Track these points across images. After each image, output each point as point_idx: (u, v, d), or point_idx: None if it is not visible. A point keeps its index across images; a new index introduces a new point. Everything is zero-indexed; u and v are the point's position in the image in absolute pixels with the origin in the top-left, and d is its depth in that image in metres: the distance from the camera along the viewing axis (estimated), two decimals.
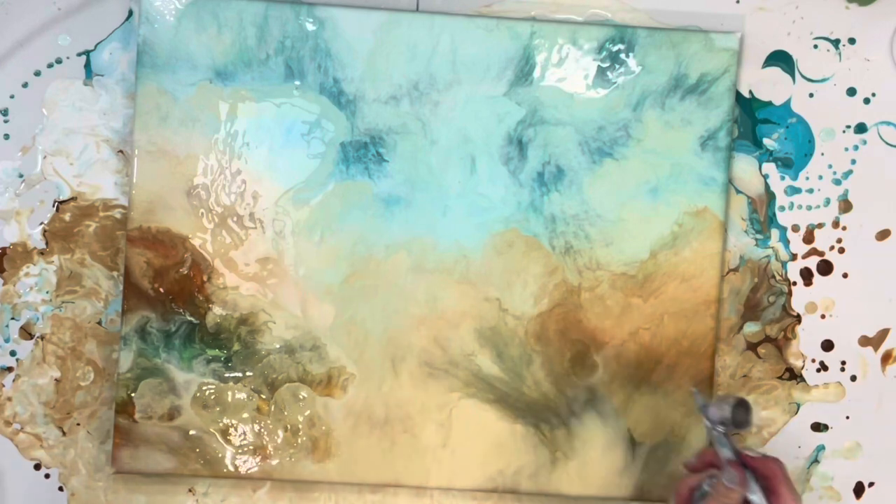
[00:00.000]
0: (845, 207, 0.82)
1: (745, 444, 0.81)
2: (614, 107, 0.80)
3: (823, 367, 0.82)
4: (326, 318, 0.79)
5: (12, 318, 0.80)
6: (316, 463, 0.80)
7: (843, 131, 0.82)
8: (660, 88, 0.79)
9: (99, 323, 0.80)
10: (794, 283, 0.82)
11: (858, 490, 0.82)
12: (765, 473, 0.69)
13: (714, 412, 0.70)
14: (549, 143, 0.79)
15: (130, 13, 0.80)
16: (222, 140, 0.79)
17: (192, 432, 0.79)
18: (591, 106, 0.79)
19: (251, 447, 0.80)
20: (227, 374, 0.79)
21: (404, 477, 0.80)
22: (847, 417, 0.82)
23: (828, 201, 0.82)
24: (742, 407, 0.69)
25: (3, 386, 0.80)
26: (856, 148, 0.82)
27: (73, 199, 0.80)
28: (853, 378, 0.82)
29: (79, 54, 0.80)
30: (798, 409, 0.82)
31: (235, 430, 0.80)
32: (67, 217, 0.80)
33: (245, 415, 0.80)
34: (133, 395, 0.79)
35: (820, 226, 0.82)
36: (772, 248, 0.82)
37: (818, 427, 0.82)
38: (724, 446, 0.70)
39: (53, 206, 0.80)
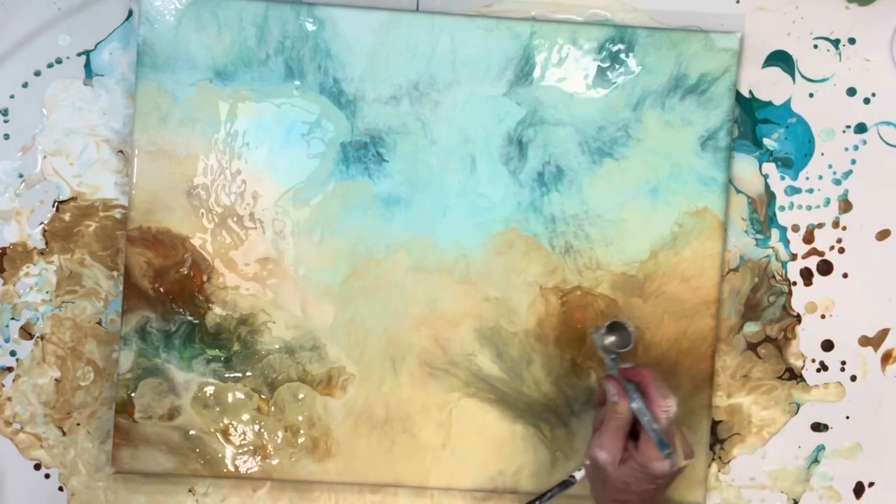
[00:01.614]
0: (845, 207, 0.82)
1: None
2: (614, 107, 0.79)
3: (823, 367, 0.82)
4: (326, 318, 0.79)
5: (12, 318, 0.80)
6: (316, 463, 0.80)
7: (843, 131, 0.82)
8: (660, 88, 0.79)
9: (99, 323, 0.80)
10: (794, 283, 0.82)
11: (858, 490, 0.82)
12: (638, 381, 0.72)
13: (597, 342, 0.75)
14: (549, 143, 0.79)
15: (130, 13, 0.80)
16: (222, 140, 0.79)
17: (192, 432, 0.79)
18: (591, 106, 0.79)
19: (251, 447, 0.80)
20: (227, 374, 0.79)
21: (404, 477, 0.80)
22: (847, 417, 0.82)
23: (828, 201, 0.82)
24: (613, 330, 0.74)
25: (3, 386, 0.80)
26: (856, 148, 0.82)
27: (73, 199, 0.80)
28: (853, 378, 0.82)
29: (79, 54, 0.80)
30: (798, 409, 0.82)
31: (235, 430, 0.80)
32: (67, 217, 0.80)
33: (245, 415, 0.80)
34: (133, 395, 0.79)
35: (820, 226, 0.82)
36: (772, 248, 0.82)
37: (818, 427, 0.82)
38: (611, 369, 0.74)
39: (53, 206, 0.80)
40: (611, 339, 0.74)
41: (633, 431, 0.71)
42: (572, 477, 0.74)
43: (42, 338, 0.80)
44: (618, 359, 0.74)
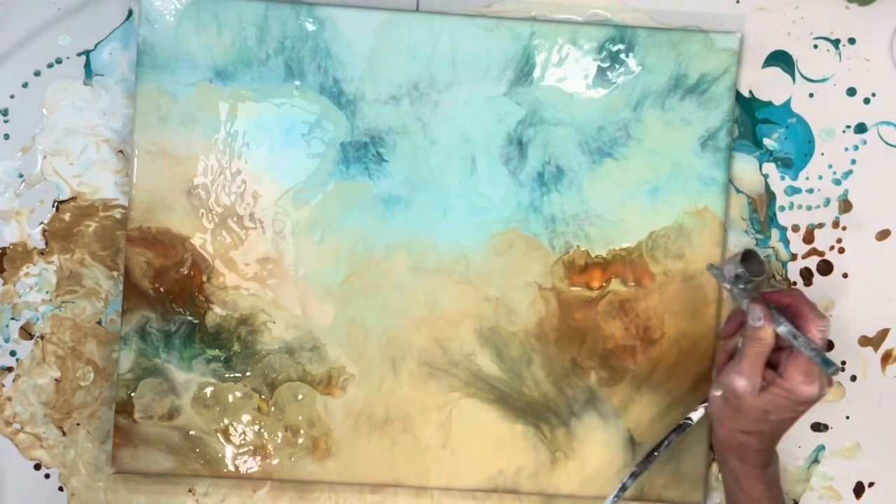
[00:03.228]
0: (845, 207, 0.82)
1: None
2: (614, 107, 0.80)
3: None
4: (326, 318, 0.79)
5: (12, 318, 0.80)
6: (316, 463, 0.80)
7: (843, 131, 0.82)
8: (660, 88, 0.79)
9: (99, 323, 0.80)
10: (794, 283, 0.82)
11: (858, 490, 0.82)
12: (786, 302, 0.70)
13: (728, 271, 0.71)
14: (549, 143, 0.79)
15: (130, 13, 0.80)
16: (222, 140, 0.79)
17: (192, 432, 0.79)
18: (591, 106, 0.79)
19: (251, 447, 0.80)
20: (227, 374, 0.79)
21: (404, 477, 0.80)
22: (847, 417, 0.82)
23: (828, 201, 0.82)
24: (749, 257, 0.71)
25: (3, 386, 0.80)
26: (856, 148, 0.82)
27: (73, 199, 0.80)
28: (853, 378, 0.82)
29: (79, 54, 0.80)
30: None
31: (235, 430, 0.80)
32: (67, 217, 0.80)
33: (245, 415, 0.80)
34: (133, 395, 0.79)
35: (820, 226, 0.82)
36: (772, 248, 0.82)
37: (818, 427, 0.82)
38: (746, 298, 0.70)
39: (53, 206, 0.80)
40: (740, 268, 0.71)
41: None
42: (689, 419, 0.70)
43: (42, 338, 0.80)
44: (746, 288, 0.71)
